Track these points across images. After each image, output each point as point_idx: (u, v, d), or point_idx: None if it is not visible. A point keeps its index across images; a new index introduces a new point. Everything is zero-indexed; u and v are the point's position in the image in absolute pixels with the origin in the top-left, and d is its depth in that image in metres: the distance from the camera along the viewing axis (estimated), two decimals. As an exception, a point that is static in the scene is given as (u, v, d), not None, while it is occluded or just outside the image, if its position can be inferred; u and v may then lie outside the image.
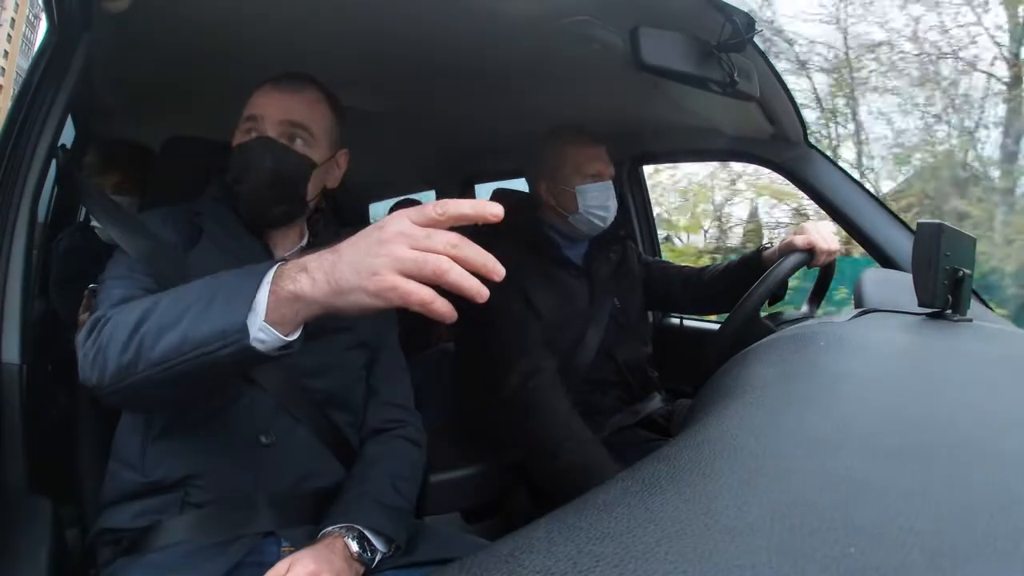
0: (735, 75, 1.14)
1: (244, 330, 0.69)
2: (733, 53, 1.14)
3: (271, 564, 0.87)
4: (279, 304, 0.69)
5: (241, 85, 1.09)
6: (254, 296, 0.70)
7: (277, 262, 0.72)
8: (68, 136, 1.66)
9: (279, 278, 0.70)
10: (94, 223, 1.46)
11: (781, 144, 1.64)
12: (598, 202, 1.53)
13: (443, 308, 0.62)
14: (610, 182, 1.55)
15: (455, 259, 0.61)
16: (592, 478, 1.27)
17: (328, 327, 1.06)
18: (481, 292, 0.61)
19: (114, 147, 1.80)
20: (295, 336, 0.72)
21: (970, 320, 0.87)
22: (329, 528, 0.93)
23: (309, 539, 0.93)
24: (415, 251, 0.62)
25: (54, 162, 1.11)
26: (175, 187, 1.20)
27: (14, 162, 1.05)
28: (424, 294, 0.61)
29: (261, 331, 0.69)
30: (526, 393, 1.39)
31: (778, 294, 1.37)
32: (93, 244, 1.68)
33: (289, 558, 0.86)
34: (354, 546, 0.92)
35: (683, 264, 1.82)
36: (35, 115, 1.07)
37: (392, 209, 2.89)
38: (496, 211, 0.61)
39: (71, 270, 1.64)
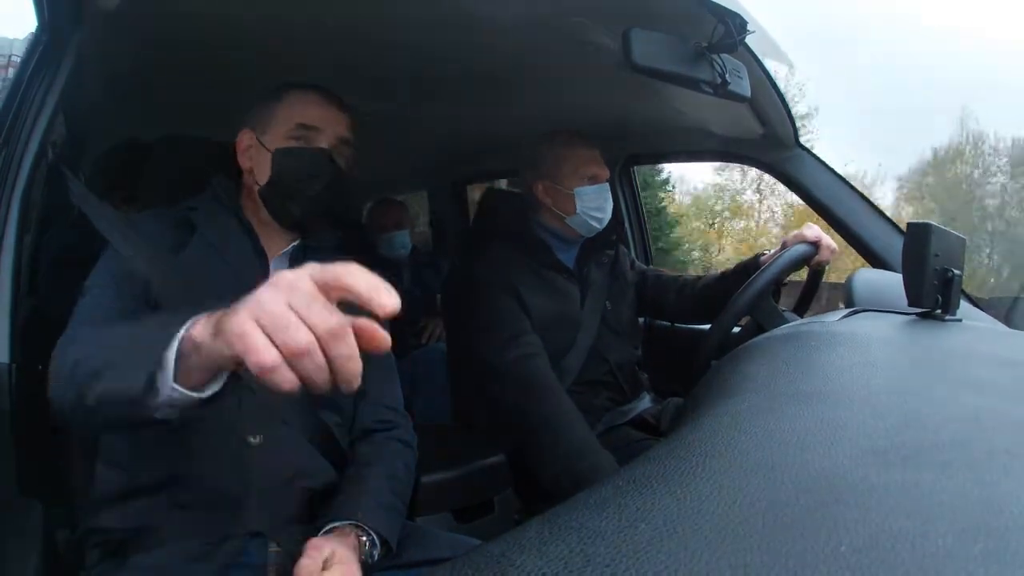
0: (726, 76, 1.14)
1: (149, 398, 0.64)
2: (725, 54, 1.15)
3: (259, 565, 0.87)
4: (183, 358, 0.62)
5: (233, 84, 1.08)
6: (161, 356, 0.63)
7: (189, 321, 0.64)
8: (59, 134, 1.65)
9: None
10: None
11: (772, 145, 1.65)
12: (596, 204, 1.54)
13: (284, 383, 0.53)
14: (606, 184, 1.56)
15: (323, 347, 0.52)
16: (592, 467, 1.29)
17: None
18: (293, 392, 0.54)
19: (120, 155, 1.78)
20: (208, 391, 0.64)
21: (960, 320, 0.88)
22: (338, 523, 0.93)
23: (298, 539, 0.92)
24: (285, 309, 0.52)
25: (45, 160, 1.10)
26: (166, 185, 1.20)
27: (5, 160, 1.04)
28: (264, 357, 0.52)
29: (174, 391, 0.63)
30: (523, 370, 1.41)
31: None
32: (84, 242, 1.67)
33: (323, 547, 0.86)
34: (366, 541, 0.93)
35: (678, 273, 1.83)
36: (26, 113, 1.06)
37: (370, 210, 2.90)
38: (388, 309, 0.52)
39: (61, 268, 1.63)
